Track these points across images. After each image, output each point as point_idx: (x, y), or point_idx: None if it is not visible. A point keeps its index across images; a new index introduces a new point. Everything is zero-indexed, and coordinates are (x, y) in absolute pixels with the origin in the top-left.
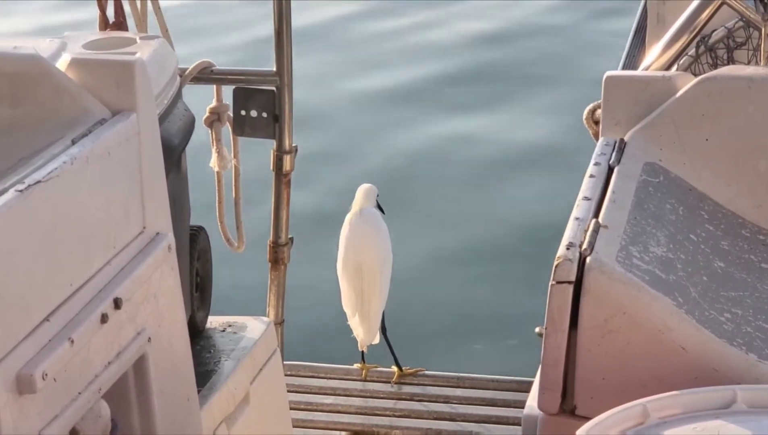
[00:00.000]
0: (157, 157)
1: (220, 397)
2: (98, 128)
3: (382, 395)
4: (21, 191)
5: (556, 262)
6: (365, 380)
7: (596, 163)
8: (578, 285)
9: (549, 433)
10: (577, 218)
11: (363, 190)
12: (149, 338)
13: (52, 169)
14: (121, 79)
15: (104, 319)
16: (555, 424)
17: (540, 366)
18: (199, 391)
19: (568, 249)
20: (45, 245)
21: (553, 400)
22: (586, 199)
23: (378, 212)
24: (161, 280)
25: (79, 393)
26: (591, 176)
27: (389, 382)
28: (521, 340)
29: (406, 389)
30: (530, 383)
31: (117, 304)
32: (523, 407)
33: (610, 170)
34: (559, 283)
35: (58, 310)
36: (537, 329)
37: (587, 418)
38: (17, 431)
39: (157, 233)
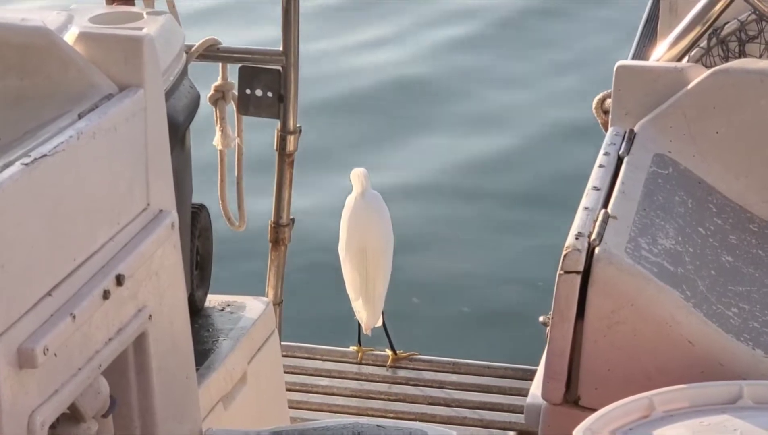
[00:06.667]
0: (162, 134)
1: (218, 376)
2: (105, 103)
3: (377, 379)
4: (27, 165)
5: (564, 252)
6: (360, 363)
7: (606, 153)
8: (586, 275)
9: (552, 422)
10: (586, 208)
11: (361, 173)
12: (150, 316)
13: (59, 143)
14: (129, 55)
15: (106, 295)
16: (558, 414)
17: (545, 355)
18: (196, 370)
19: (576, 239)
20: (49, 219)
21: (557, 390)
22: (596, 188)
23: (379, 194)
24: (163, 258)
25: (79, 369)
26: (600, 166)
27: (384, 366)
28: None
29: (401, 373)
30: (525, 370)
31: (119, 280)
32: (517, 394)
33: (619, 161)
34: (567, 272)
35: (61, 285)
36: (541, 318)
37: (591, 409)
38: (16, 406)
39: (161, 210)
